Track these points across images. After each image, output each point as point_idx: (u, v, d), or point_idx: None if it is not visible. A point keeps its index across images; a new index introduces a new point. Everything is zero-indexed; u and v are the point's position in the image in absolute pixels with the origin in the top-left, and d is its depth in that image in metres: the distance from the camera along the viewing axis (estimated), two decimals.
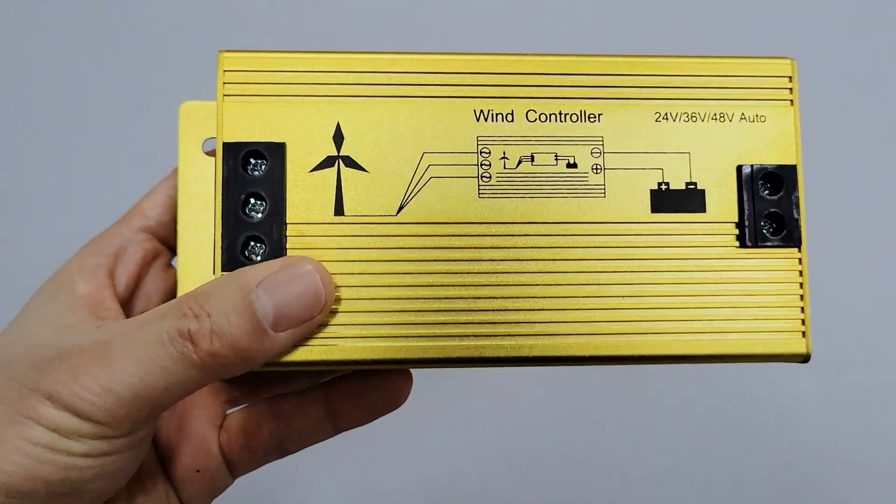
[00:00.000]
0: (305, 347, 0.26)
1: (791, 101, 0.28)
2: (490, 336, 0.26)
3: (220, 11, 0.49)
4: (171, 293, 0.30)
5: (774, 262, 0.27)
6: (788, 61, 0.28)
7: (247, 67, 0.26)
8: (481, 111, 0.27)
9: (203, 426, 0.30)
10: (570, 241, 0.27)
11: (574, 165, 0.27)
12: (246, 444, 0.30)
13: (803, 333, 0.27)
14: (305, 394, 0.30)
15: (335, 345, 0.26)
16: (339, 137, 0.27)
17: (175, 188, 0.29)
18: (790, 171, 0.28)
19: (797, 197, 0.27)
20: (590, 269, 0.27)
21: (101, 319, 0.26)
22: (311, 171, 0.26)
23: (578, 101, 0.27)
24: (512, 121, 0.27)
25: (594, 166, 0.27)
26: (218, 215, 0.26)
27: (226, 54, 0.26)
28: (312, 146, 0.26)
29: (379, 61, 0.27)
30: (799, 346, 0.27)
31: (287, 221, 0.26)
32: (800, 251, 0.27)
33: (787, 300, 0.27)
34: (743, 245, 0.27)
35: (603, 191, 0.27)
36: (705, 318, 0.27)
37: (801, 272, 0.27)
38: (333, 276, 0.26)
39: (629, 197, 0.27)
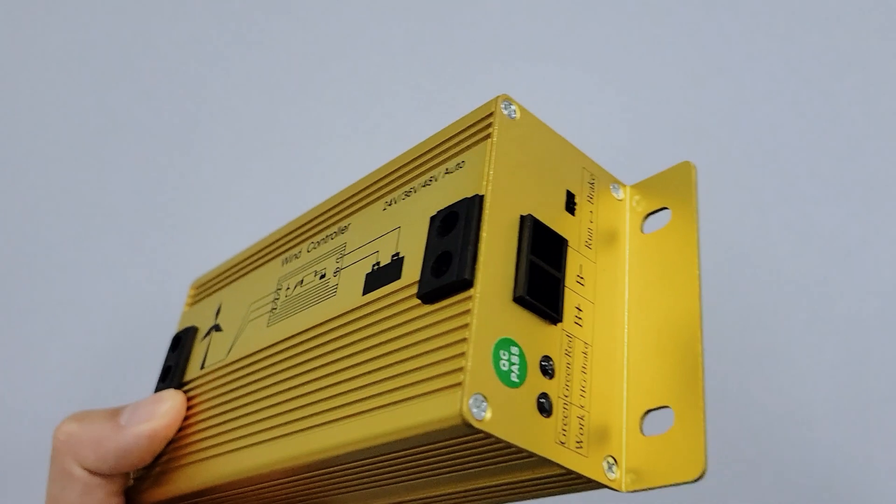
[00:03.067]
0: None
1: (489, 135, 0.24)
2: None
3: None
4: None
5: (448, 311, 0.22)
6: (493, 101, 0.25)
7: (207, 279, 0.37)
8: (286, 258, 0.31)
9: None
10: (307, 346, 0.27)
11: (324, 276, 0.28)
12: None
13: (460, 386, 0.20)
14: None
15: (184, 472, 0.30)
16: (218, 311, 0.34)
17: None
18: (474, 202, 0.23)
19: (477, 227, 0.22)
20: (317, 366, 0.26)
21: None
22: (202, 338, 0.34)
23: (337, 223, 0.29)
24: (298, 256, 0.30)
25: (335, 270, 0.28)
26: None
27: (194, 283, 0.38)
28: (207, 320, 0.34)
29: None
30: (449, 409, 0.20)
31: (185, 380, 0.33)
32: (472, 289, 0.21)
33: (450, 352, 0.21)
34: (425, 302, 0.23)
35: (336, 289, 0.27)
36: (385, 390, 0.22)
37: (468, 311, 0.21)
38: (198, 416, 0.31)
39: (350, 287, 0.26)
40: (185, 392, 0.32)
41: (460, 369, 0.20)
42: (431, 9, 0.59)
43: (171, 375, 0.34)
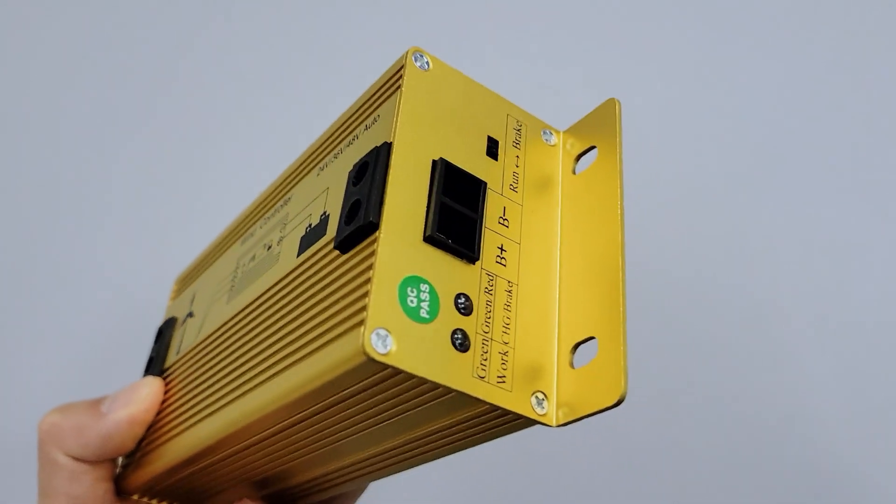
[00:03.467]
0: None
1: (399, 86, 0.24)
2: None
3: None
4: None
5: (359, 255, 0.22)
6: (404, 54, 0.25)
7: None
8: (244, 239, 0.32)
9: None
10: (252, 315, 0.27)
11: (270, 247, 0.29)
12: None
13: (362, 323, 0.20)
14: None
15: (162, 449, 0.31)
16: (192, 300, 0.35)
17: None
18: (381, 150, 0.23)
19: (384, 172, 0.22)
20: (259, 332, 0.26)
21: None
22: (180, 327, 0.35)
23: (283, 196, 0.30)
24: (253, 234, 0.31)
25: (279, 240, 0.28)
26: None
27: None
28: (184, 310, 0.35)
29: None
30: (352, 346, 0.20)
31: (164, 367, 0.34)
32: (378, 230, 0.21)
33: (358, 293, 0.21)
34: (342, 251, 0.23)
35: (278, 257, 0.28)
36: (305, 342, 0.23)
37: (373, 252, 0.21)
38: (173, 398, 0.32)
39: (289, 253, 0.27)
40: (164, 378, 0.33)
41: (364, 307, 0.20)
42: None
43: (153, 365, 0.35)
